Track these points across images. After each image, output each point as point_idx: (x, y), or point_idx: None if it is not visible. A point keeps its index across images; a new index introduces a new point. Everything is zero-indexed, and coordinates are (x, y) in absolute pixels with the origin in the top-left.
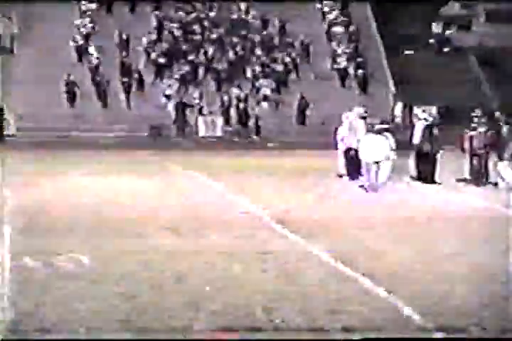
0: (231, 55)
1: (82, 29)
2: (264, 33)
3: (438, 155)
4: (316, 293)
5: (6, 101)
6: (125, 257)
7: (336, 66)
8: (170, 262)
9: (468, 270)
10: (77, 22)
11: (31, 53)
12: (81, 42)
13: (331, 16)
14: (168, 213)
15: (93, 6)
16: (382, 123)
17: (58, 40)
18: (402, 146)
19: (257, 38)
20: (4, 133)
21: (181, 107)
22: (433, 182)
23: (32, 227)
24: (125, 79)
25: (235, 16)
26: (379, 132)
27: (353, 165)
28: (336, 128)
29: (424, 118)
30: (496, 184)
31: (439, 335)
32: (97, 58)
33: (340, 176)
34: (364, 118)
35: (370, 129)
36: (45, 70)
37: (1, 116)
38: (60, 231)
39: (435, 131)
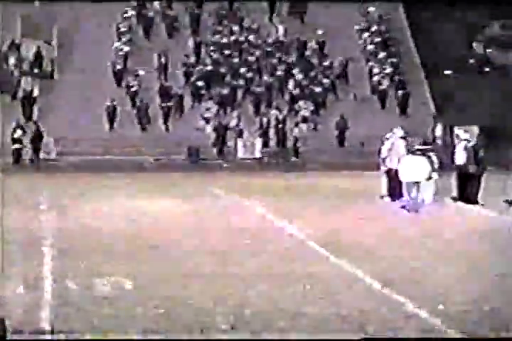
0: (269, 77)
1: (120, 53)
2: (302, 54)
3: (481, 176)
4: (357, 317)
5: (47, 125)
6: (165, 280)
7: (375, 87)
8: (210, 285)
9: None
10: (116, 45)
11: (71, 78)
12: (120, 66)
13: (369, 37)
14: (208, 236)
15: (129, 37)
16: (424, 143)
17: (97, 65)
18: (443, 166)
19: (295, 60)
20: (40, 157)
21: (220, 129)
22: (476, 202)
23: (72, 250)
24: (164, 103)
25: (272, 38)
26: (421, 153)
27: (394, 186)
28: (379, 149)
29: (466, 139)
30: None
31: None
32: (136, 82)
33: (383, 197)
34: (404, 138)
35: (411, 150)
36: (84, 94)
37: (40, 139)
38: (101, 254)
39: (478, 151)
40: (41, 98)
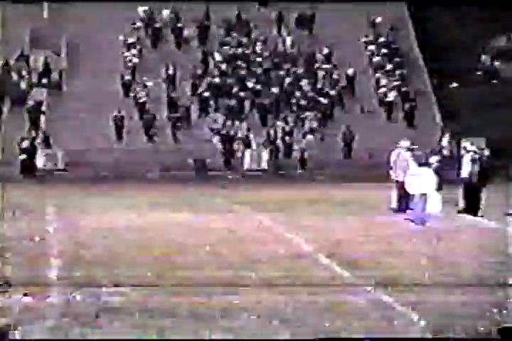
0: (276, 88)
1: (129, 64)
2: (309, 66)
3: (484, 188)
4: (361, 327)
5: (55, 136)
6: (171, 289)
7: (381, 98)
8: (216, 296)
9: None
10: (124, 56)
11: (79, 88)
12: (127, 77)
13: (376, 49)
14: (214, 246)
15: (137, 48)
16: (431, 152)
17: (105, 76)
18: (450, 178)
19: (302, 71)
20: (47, 167)
21: (228, 140)
22: (482, 215)
23: (80, 260)
24: (172, 114)
25: (280, 50)
26: (427, 164)
27: (401, 198)
28: (388, 161)
29: (473, 151)
30: None
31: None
32: (144, 93)
33: (392, 209)
34: (411, 150)
35: (420, 162)
36: (92, 105)
37: (34, 149)
38: (106, 264)
39: (484, 163)
40: (49, 109)
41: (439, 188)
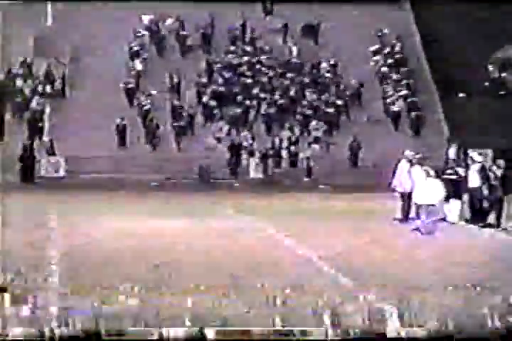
0: (282, 97)
1: (132, 72)
2: (315, 75)
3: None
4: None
5: (57, 143)
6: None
7: (388, 108)
8: (218, 308)
9: None
10: (128, 64)
11: (82, 96)
12: (132, 85)
13: (382, 59)
14: (217, 256)
15: (142, 56)
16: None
17: (109, 83)
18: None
19: (308, 81)
20: (49, 175)
21: (234, 149)
22: (489, 225)
23: (80, 268)
24: (176, 123)
25: (285, 59)
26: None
27: (407, 208)
28: (394, 172)
29: (480, 162)
30: None
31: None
32: (148, 101)
33: (396, 219)
34: (418, 160)
35: (429, 174)
36: (95, 113)
37: (33, 157)
38: (108, 271)
39: (492, 174)
40: (52, 116)
41: (459, 197)
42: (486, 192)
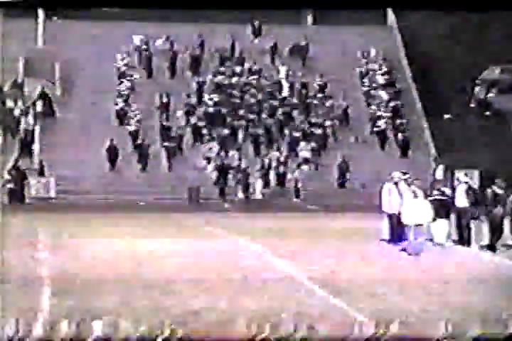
0: (270, 118)
1: (122, 92)
2: (303, 96)
3: (481, 218)
4: None
5: (47, 163)
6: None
7: (375, 129)
8: (205, 324)
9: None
10: (117, 84)
11: (73, 116)
12: (121, 105)
13: (369, 79)
14: (205, 275)
15: (131, 77)
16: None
17: (99, 103)
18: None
19: (296, 102)
20: (39, 196)
21: (222, 170)
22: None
23: (70, 290)
24: (166, 143)
25: (274, 80)
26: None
27: (395, 229)
28: (380, 193)
29: (466, 182)
30: None
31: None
32: (138, 122)
33: (383, 240)
34: (405, 180)
35: (417, 195)
36: (86, 133)
37: (24, 176)
38: (98, 293)
39: (478, 194)
40: (42, 136)
41: (446, 217)
42: (473, 211)
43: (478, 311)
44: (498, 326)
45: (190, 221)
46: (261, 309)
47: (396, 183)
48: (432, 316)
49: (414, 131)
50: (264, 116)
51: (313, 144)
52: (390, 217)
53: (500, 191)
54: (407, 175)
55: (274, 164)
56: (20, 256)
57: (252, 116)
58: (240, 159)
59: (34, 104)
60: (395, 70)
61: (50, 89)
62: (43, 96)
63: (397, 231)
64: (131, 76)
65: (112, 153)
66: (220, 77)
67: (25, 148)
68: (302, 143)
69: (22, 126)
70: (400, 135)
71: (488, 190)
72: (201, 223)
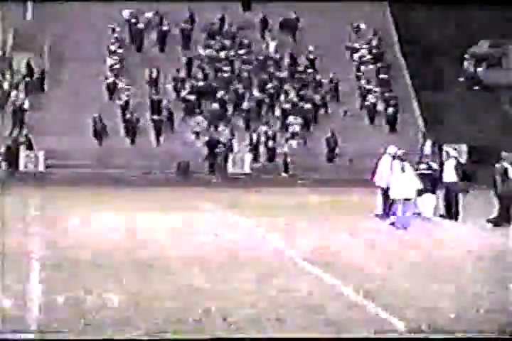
0: (260, 92)
1: (112, 67)
2: (293, 71)
3: (468, 194)
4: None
5: (36, 137)
6: (154, 294)
7: (364, 104)
8: (200, 300)
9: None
10: (108, 61)
11: (62, 91)
12: (111, 79)
13: (360, 54)
14: (196, 251)
15: (121, 51)
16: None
17: (88, 78)
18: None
19: (286, 76)
20: (28, 170)
21: (212, 144)
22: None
23: (63, 264)
24: (155, 117)
25: (264, 54)
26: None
27: (384, 203)
28: (375, 167)
29: (455, 157)
30: None
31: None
32: (127, 96)
33: (377, 215)
34: (398, 157)
35: (404, 168)
36: (75, 108)
37: (17, 150)
38: (90, 269)
39: (466, 169)
40: (31, 111)
41: (433, 192)
42: (460, 186)
43: (465, 285)
44: (483, 300)
45: (179, 195)
46: (249, 283)
47: (392, 157)
48: (417, 288)
49: (403, 106)
50: (254, 90)
51: (302, 119)
52: (384, 191)
53: (509, 166)
54: (402, 151)
55: (262, 138)
56: (8, 231)
57: (241, 90)
58: (230, 133)
59: (24, 78)
60: (385, 44)
61: (39, 63)
62: (29, 70)
63: (386, 205)
64: (121, 50)
65: (99, 127)
66: (209, 51)
67: (16, 122)
68: (291, 118)
69: (11, 99)
70: (388, 109)
71: (497, 165)
72: (190, 197)
